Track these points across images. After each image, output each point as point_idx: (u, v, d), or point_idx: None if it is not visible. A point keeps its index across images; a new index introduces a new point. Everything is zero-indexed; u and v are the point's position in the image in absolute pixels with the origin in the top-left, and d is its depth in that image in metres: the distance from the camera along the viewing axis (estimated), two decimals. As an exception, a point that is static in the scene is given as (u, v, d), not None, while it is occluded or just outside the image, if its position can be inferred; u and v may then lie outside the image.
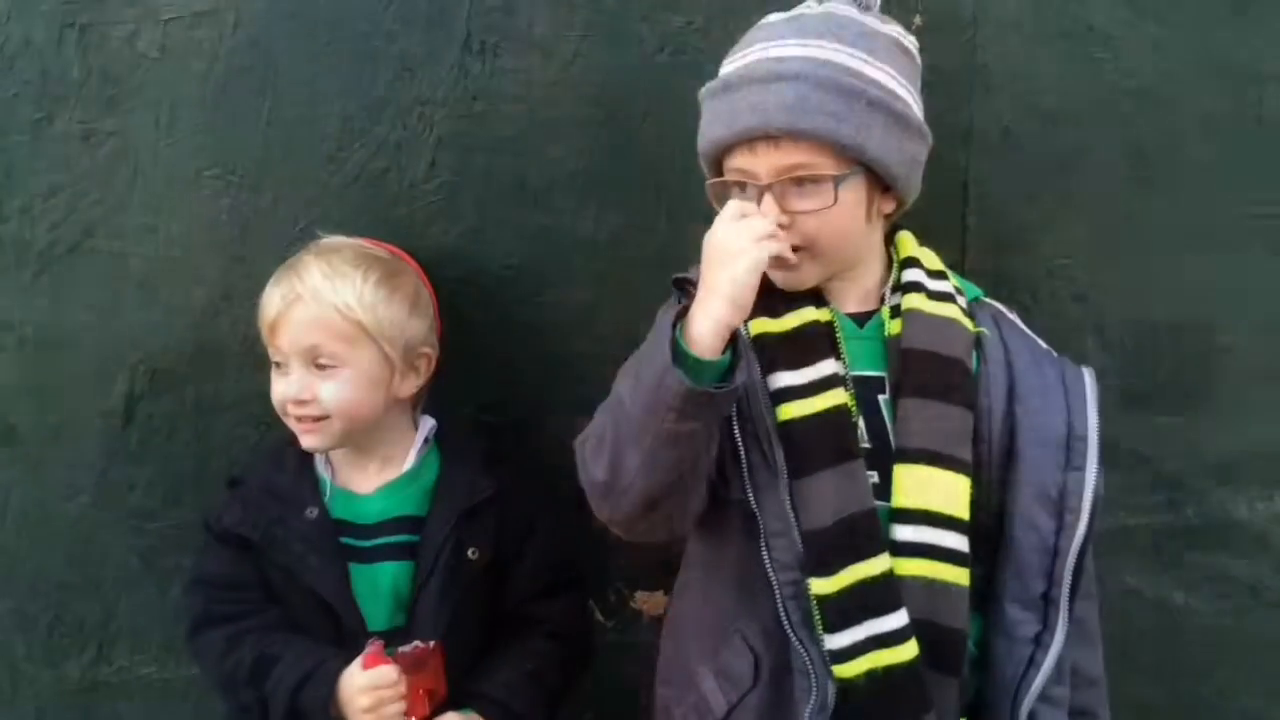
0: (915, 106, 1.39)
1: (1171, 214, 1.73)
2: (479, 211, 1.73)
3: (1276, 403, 1.80)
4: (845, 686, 1.33)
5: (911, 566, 1.34)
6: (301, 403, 1.51)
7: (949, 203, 1.64)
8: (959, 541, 1.35)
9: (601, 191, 1.72)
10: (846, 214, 1.36)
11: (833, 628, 1.33)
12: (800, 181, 1.34)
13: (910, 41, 1.41)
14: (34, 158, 1.70)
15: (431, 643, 1.48)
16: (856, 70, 1.33)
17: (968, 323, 1.43)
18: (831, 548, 1.33)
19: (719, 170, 1.41)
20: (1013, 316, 1.52)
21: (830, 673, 1.33)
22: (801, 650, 1.34)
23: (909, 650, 1.32)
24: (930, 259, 1.49)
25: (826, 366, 1.37)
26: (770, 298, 1.41)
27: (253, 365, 1.75)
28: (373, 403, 1.54)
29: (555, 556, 1.63)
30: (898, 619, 1.32)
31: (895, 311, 1.42)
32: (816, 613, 1.34)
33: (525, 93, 1.70)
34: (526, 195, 1.73)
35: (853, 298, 1.45)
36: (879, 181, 1.38)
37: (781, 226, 1.34)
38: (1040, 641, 1.38)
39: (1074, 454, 1.38)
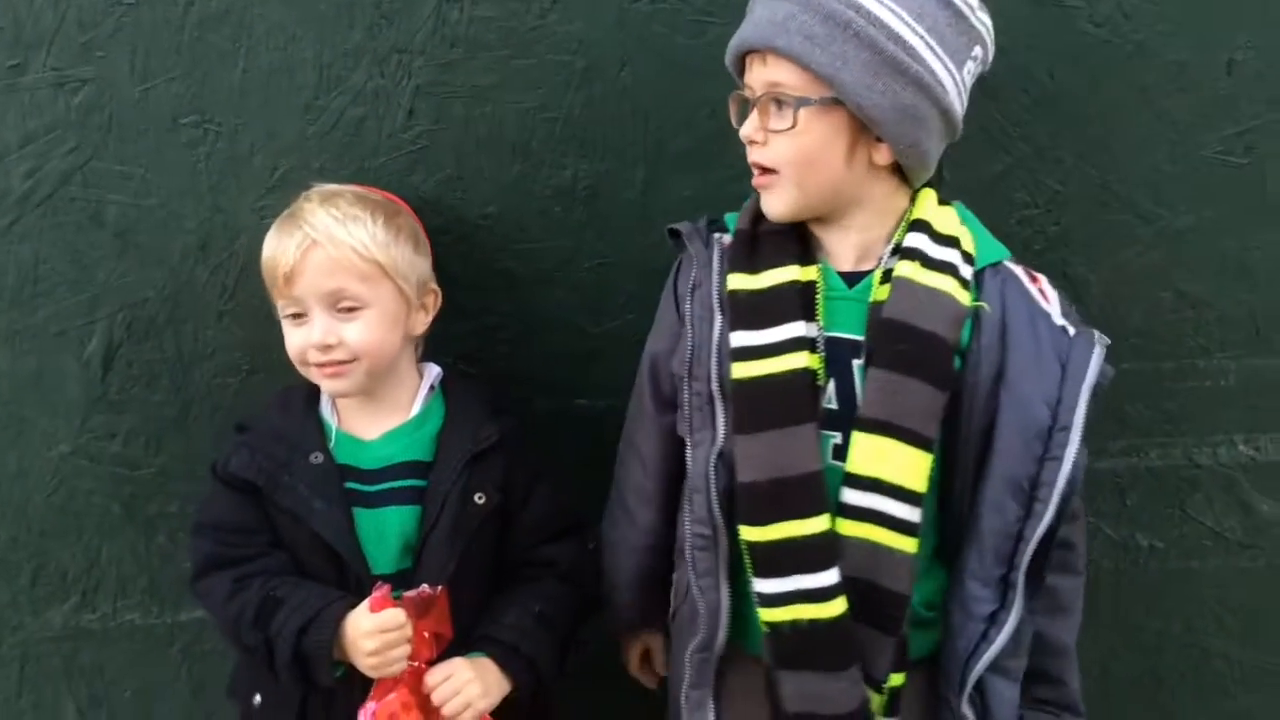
0: (926, 57, 1.33)
1: (1142, 162, 1.75)
2: (457, 160, 1.73)
3: (1243, 351, 1.83)
4: (773, 628, 1.36)
5: (855, 528, 1.35)
6: (328, 347, 1.51)
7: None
8: (909, 512, 1.34)
9: (579, 140, 1.72)
10: (815, 144, 1.37)
11: (760, 573, 1.36)
12: (779, 101, 1.37)
13: (965, 2, 1.36)
14: (7, 105, 1.68)
15: (438, 586, 1.49)
16: (855, 1, 1.33)
17: (961, 296, 1.37)
18: (761, 504, 1.35)
19: None
20: (1030, 286, 1.43)
21: (722, 625, 1.40)
22: (698, 597, 1.40)
23: (835, 607, 1.34)
24: (945, 222, 1.43)
25: (793, 329, 1.37)
26: (753, 253, 1.42)
27: (232, 314, 1.76)
28: (394, 341, 1.55)
29: (562, 501, 1.64)
30: (827, 577, 1.33)
31: (887, 276, 1.40)
32: (747, 556, 1.36)
33: (503, 40, 1.69)
34: (504, 144, 1.72)
35: (849, 253, 1.44)
36: (865, 124, 1.36)
37: (755, 143, 1.39)
38: (995, 619, 1.39)
39: (1054, 444, 1.35)
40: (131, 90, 1.68)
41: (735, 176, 1.60)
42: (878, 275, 1.41)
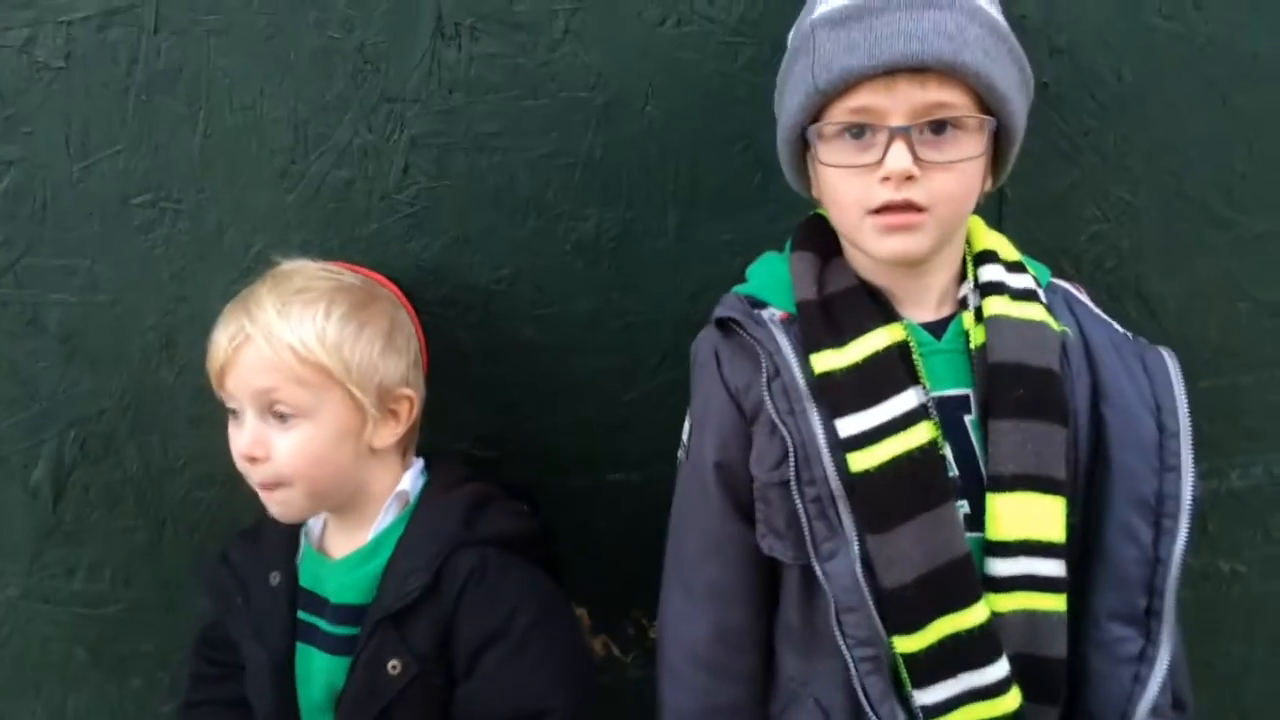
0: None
1: (1215, 164, 1.60)
2: (462, 220, 1.51)
3: (1324, 359, 1.71)
4: None
5: (1010, 601, 1.22)
6: (254, 459, 1.28)
7: (984, 169, 1.48)
8: (1057, 567, 1.23)
9: (601, 188, 1.52)
10: (977, 175, 1.22)
11: (921, 684, 1.21)
12: (940, 127, 1.17)
13: None
14: (-81, 198, 1.41)
15: None
16: (994, 14, 1.20)
17: (1054, 323, 1.28)
18: (917, 607, 1.19)
19: (815, 118, 1.22)
20: (1084, 298, 1.37)
21: None
22: None
23: (1011, 701, 1.20)
24: (1006, 248, 1.33)
25: (906, 400, 1.21)
26: (834, 320, 1.25)
27: (207, 419, 1.52)
28: (338, 459, 1.30)
29: (522, 679, 1.31)
30: (997, 670, 1.20)
31: (978, 316, 1.27)
32: (903, 669, 1.21)
33: (509, 81, 1.47)
34: (517, 197, 1.51)
35: (927, 302, 1.29)
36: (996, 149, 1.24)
37: (912, 177, 1.17)
38: (1145, 657, 1.26)
39: (1167, 453, 1.26)
40: (68, 169, 1.44)
41: (776, 215, 1.44)
42: (970, 317, 1.28)
